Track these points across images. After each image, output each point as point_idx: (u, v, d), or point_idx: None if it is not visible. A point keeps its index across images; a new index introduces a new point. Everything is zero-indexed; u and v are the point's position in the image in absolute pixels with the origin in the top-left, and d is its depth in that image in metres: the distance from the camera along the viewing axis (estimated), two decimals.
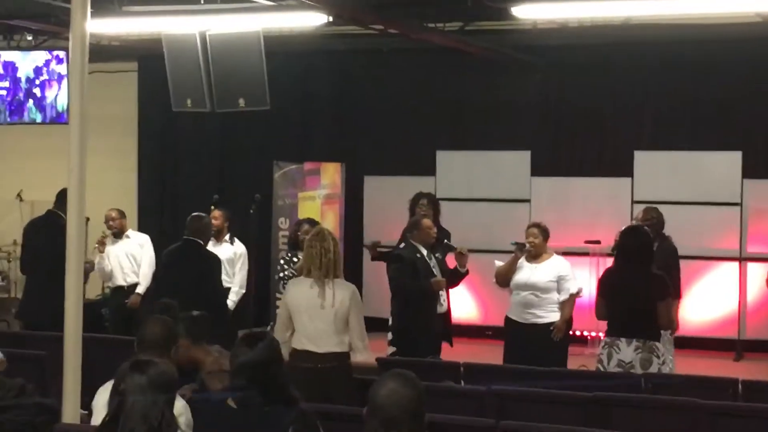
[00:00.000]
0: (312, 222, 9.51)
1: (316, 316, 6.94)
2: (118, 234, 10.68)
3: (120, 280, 10.66)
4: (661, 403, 6.62)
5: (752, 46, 11.56)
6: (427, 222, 9.21)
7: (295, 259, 9.35)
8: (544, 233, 8.95)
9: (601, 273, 8.48)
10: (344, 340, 7.00)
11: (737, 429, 6.14)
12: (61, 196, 9.69)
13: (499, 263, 9.08)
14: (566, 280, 8.82)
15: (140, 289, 10.51)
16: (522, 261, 8.90)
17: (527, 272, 8.86)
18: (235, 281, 10.35)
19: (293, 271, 9.12)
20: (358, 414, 4.89)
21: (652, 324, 7.71)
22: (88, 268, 9.41)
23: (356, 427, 4.17)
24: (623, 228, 8.03)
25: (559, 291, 8.81)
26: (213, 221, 10.23)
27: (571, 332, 9.22)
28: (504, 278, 8.99)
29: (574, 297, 8.91)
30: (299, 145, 14.16)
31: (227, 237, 10.39)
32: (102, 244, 10.60)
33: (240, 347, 4.89)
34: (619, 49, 12.28)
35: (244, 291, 10.43)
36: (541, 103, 13.31)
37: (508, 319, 9.07)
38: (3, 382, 3.15)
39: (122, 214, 10.82)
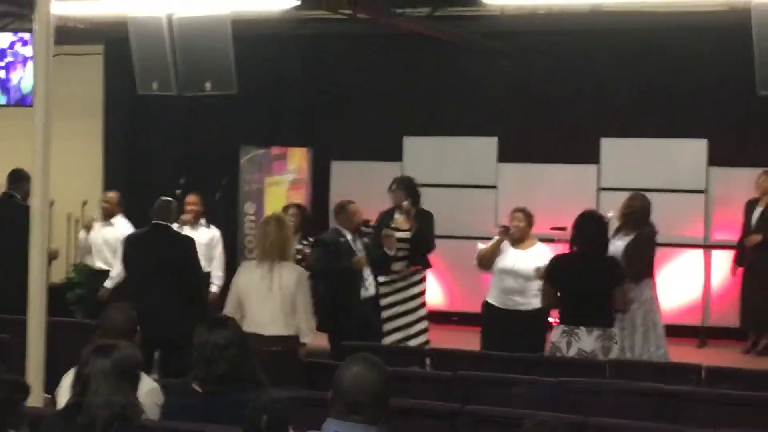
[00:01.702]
0: (298, 206, 9.57)
1: (264, 299, 7.04)
2: (107, 216, 10.59)
3: (101, 264, 10.53)
4: (625, 389, 6.66)
5: (720, 34, 11.58)
6: (352, 207, 9.35)
7: None
8: (529, 219, 8.94)
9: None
10: (291, 322, 7.06)
11: (700, 414, 6.19)
12: (14, 177, 9.63)
13: (481, 246, 9.04)
14: None
15: (109, 284, 10.21)
16: (507, 246, 8.87)
17: (512, 258, 8.83)
18: (215, 266, 10.32)
19: None
20: (314, 397, 4.90)
21: (609, 310, 7.72)
22: (50, 254, 9.30)
23: (306, 411, 4.18)
24: (579, 214, 7.97)
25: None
26: (191, 206, 10.21)
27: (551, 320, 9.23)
28: (487, 261, 8.91)
29: None
30: (266, 129, 14.09)
31: (203, 221, 10.36)
32: (89, 227, 10.50)
33: (214, 331, 4.95)
34: (587, 36, 12.29)
35: (224, 276, 10.42)
36: (508, 89, 13.31)
37: (487, 304, 9.02)
38: None
39: (120, 200, 10.73)
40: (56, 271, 12.10)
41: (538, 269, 8.51)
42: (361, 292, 9.23)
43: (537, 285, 8.72)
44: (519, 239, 8.88)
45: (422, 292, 9.96)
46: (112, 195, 10.78)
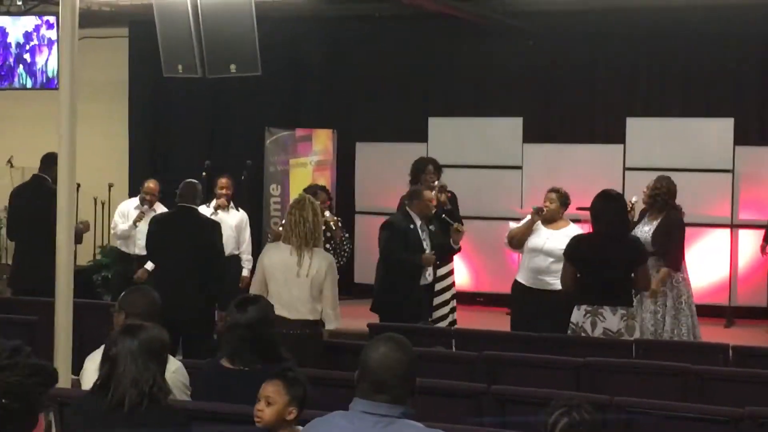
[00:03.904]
0: (325, 189, 9.52)
1: (292, 282, 7.01)
2: (151, 205, 10.65)
3: (139, 251, 10.44)
4: (652, 368, 6.65)
5: (744, 12, 11.51)
6: (428, 194, 9.12)
7: None
8: (562, 199, 8.88)
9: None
10: (317, 308, 7.09)
11: (727, 393, 6.17)
12: (46, 160, 9.66)
13: (513, 225, 9.02)
14: None
15: (150, 266, 9.98)
16: (539, 225, 8.84)
17: (543, 237, 8.79)
18: (245, 249, 10.38)
19: None
20: (331, 377, 4.94)
21: (630, 290, 7.70)
22: (81, 229, 9.28)
23: (330, 391, 4.20)
24: (597, 195, 7.91)
25: None
26: (225, 190, 10.27)
27: None
28: (518, 240, 8.86)
29: None
30: (291, 111, 14.11)
31: (232, 204, 10.41)
32: (140, 219, 10.51)
33: (243, 309, 5.16)
34: (611, 15, 12.23)
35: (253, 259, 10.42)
36: (533, 69, 13.27)
37: (517, 284, 9.00)
38: None
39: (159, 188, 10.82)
40: (83, 254, 12.15)
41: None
42: (421, 280, 9.13)
43: None
44: (550, 219, 8.84)
45: (450, 272, 9.93)
46: (153, 185, 10.82)
